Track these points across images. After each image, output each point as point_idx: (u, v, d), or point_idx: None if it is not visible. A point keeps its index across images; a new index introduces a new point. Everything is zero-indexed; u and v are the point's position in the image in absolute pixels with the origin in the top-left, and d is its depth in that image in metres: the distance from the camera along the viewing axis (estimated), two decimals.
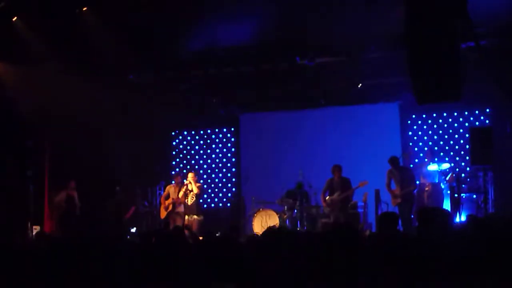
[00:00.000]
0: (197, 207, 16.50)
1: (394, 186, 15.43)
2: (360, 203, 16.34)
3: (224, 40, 16.26)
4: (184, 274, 5.53)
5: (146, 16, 15.30)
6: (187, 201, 16.34)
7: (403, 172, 15.48)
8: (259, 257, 5.98)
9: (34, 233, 16.00)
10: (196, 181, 16.75)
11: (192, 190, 16.42)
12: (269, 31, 15.44)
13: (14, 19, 15.47)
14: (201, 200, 17.57)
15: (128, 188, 18.24)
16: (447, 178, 16.10)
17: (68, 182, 17.41)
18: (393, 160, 15.49)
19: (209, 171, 20.88)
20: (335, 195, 15.75)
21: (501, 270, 4.55)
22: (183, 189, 16.57)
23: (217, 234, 9.36)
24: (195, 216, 16.31)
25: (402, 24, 10.59)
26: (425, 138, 18.68)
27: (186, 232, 12.28)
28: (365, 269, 5.07)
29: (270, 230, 7.27)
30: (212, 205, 20.54)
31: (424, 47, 10.33)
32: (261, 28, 15.30)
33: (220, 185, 20.85)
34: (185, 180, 16.78)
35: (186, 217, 16.29)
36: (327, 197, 15.92)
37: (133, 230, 17.58)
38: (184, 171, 19.76)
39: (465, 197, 16.15)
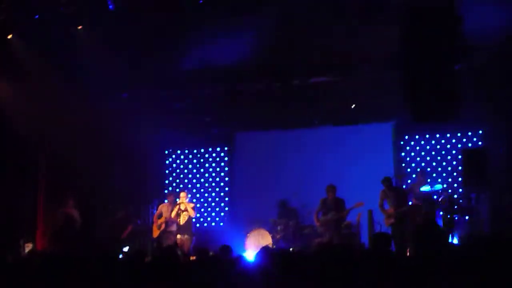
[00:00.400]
0: (189, 226, 16.45)
1: (387, 207, 15.41)
2: (354, 223, 16.36)
3: (218, 60, 16.29)
4: None
5: (141, 35, 15.37)
6: (180, 220, 16.30)
7: (396, 192, 15.45)
8: (252, 277, 5.97)
9: (26, 251, 15.95)
10: (189, 201, 16.73)
11: (184, 210, 16.38)
12: (263, 51, 15.49)
13: (9, 37, 15.53)
14: (194, 220, 17.50)
15: (122, 206, 18.18)
16: (440, 200, 16.12)
17: (66, 201, 17.38)
18: (386, 181, 15.47)
19: (202, 190, 20.87)
20: (330, 215, 15.72)
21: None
22: (176, 208, 16.54)
23: (210, 253, 9.34)
24: (187, 236, 16.28)
25: (398, 43, 10.67)
26: (418, 159, 18.71)
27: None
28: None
29: (263, 250, 7.26)
30: (205, 224, 20.50)
31: (420, 66, 10.41)
32: (255, 48, 15.35)
33: (213, 204, 20.83)
34: (177, 199, 16.77)
35: (178, 236, 16.26)
36: (321, 217, 15.90)
37: (126, 249, 17.51)
38: (177, 190, 19.72)
39: (458, 218, 16.18)
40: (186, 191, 17.34)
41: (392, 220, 15.09)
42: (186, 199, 16.51)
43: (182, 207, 16.33)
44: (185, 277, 6.33)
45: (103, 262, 6.63)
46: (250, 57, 15.83)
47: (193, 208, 16.63)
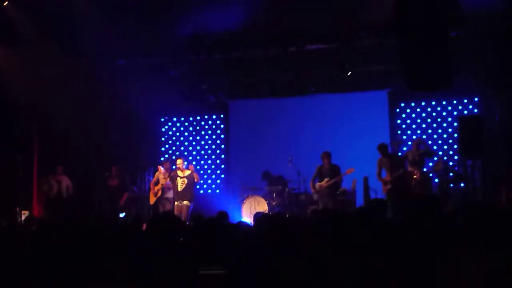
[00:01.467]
0: (188, 193, 16.39)
1: (385, 175, 15.41)
2: (349, 190, 16.41)
3: (214, 26, 16.24)
4: (174, 259, 5.55)
5: (137, 0, 15.32)
6: (177, 187, 16.31)
7: (391, 159, 15.42)
8: (248, 242, 6.01)
9: (23, 218, 16.00)
10: (185, 167, 16.67)
11: (182, 177, 16.36)
12: (259, 17, 15.42)
13: (5, 3, 15.45)
14: (198, 186, 17.45)
15: (116, 174, 18.18)
16: (435, 167, 16.15)
17: (55, 168, 17.49)
18: (382, 147, 15.43)
19: (198, 157, 20.91)
20: (324, 182, 15.77)
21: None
22: (170, 175, 16.55)
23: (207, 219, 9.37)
24: (185, 202, 16.25)
25: (393, 11, 10.64)
26: (414, 126, 18.75)
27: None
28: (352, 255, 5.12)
29: (259, 216, 7.30)
30: (201, 191, 20.53)
31: (415, 35, 10.39)
32: (251, 14, 15.28)
33: (209, 171, 20.88)
34: (174, 167, 16.80)
35: (176, 202, 16.28)
36: (316, 184, 15.95)
37: (122, 215, 17.56)
38: (173, 157, 19.74)
39: (453, 185, 16.22)
40: (182, 158, 17.29)
41: (388, 186, 15.07)
42: (182, 166, 16.47)
43: (180, 174, 16.32)
44: (182, 242, 6.37)
45: (97, 229, 6.66)
46: (246, 23, 15.77)
47: (195, 172, 16.57)
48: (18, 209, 16.62)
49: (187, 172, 16.27)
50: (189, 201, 16.08)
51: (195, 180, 16.38)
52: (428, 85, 11.31)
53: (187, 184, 16.11)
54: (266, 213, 7.22)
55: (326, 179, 15.75)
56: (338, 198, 15.95)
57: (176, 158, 17.34)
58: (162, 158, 20.03)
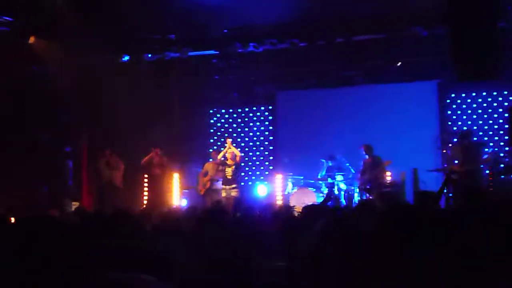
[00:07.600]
0: (235, 179, 16.66)
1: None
2: (398, 182, 16.28)
3: (261, 18, 16.22)
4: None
5: None
6: (227, 174, 16.55)
7: (469, 149, 14.91)
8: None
9: (73, 209, 16.21)
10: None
11: (234, 156, 16.64)
12: (308, 8, 15.36)
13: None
14: (242, 173, 17.69)
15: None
16: (485, 158, 15.90)
17: (103, 152, 17.61)
18: (465, 135, 15.05)
19: (246, 148, 20.91)
20: (367, 174, 15.76)
21: None
22: (223, 153, 16.96)
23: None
24: (232, 193, 16.38)
25: (443, 2, 10.54)
26: (464, 117, 18.52)
27: None
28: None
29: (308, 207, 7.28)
30: (250, 182, 20.56)
31: (465, 25, 10.29)
32: (299, 5, 15.23)
33: (257, 162, 20.89)
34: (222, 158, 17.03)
35: (224, 194, 16.42)
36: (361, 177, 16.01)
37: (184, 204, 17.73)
38: (222, 148, 19.85)
39: (504, 176, 15.99)
40: (231, 139, 17.71)
41: (455, 177, 14.57)
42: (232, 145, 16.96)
43: (229, 163, 16.58)
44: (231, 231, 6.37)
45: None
46: (293, 15, 15.73)
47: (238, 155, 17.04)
48: (68, 200, 16.84)
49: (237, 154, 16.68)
50: (237, 186, 16.36)
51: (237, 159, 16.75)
52: (478, 76, 11.19)
53: (234, 170, 16.43)
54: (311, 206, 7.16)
55: (369, 171, 15.75)
56: (384, 190, 15.80)
57: (225, 139, 17.74)
58: (210, 150, 20.11)
